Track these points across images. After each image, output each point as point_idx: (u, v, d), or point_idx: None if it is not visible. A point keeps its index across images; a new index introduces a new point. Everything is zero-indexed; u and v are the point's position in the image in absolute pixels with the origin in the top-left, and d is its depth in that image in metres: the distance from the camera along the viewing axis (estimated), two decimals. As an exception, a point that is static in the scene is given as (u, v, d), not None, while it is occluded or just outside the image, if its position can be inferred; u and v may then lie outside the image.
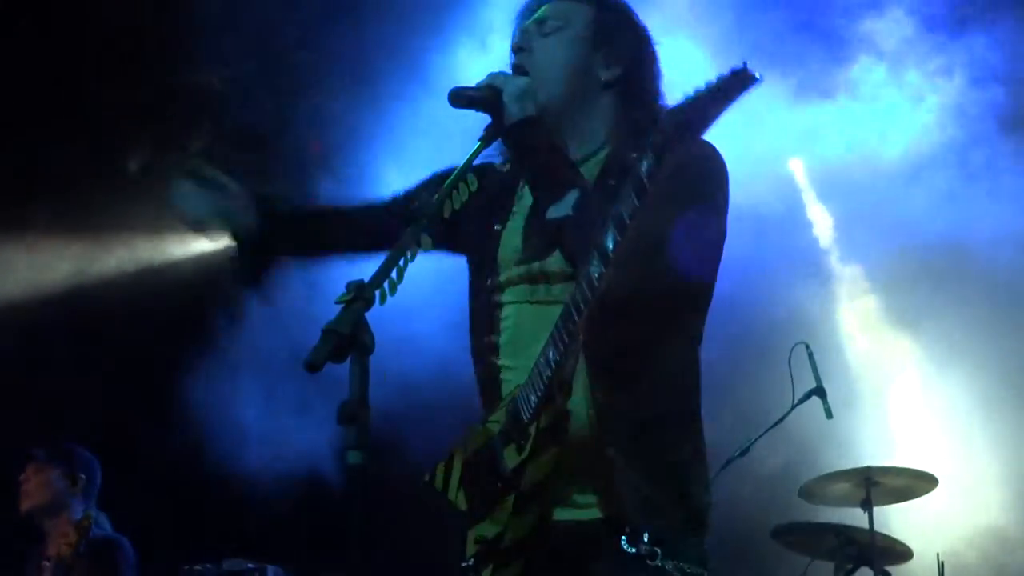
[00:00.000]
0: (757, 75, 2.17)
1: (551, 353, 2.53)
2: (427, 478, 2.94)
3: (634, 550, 2.60)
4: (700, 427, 2.81)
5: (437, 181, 2.76)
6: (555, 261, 2.74)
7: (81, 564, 5.01)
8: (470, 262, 3.02)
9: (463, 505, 2.83)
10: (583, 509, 2.68)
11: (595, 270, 2.39)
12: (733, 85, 2.18)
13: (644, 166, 2.28)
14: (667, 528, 2.63)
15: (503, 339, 2.81)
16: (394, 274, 2.31)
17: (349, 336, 2.13)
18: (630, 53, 2.90)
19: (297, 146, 6.82)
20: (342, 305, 2.19)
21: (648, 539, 2.60)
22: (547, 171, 2.72)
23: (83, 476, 5.44)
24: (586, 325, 2.50)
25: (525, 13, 2.96)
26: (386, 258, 2.32)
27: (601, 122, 2.87)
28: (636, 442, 2.64)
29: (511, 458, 2.67)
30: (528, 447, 2.61)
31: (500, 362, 2.81)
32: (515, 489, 2.65)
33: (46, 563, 5.24)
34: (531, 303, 2.78)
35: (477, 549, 2.76)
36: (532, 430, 2.60)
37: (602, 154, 2.84)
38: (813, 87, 6.18)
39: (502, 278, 2.84)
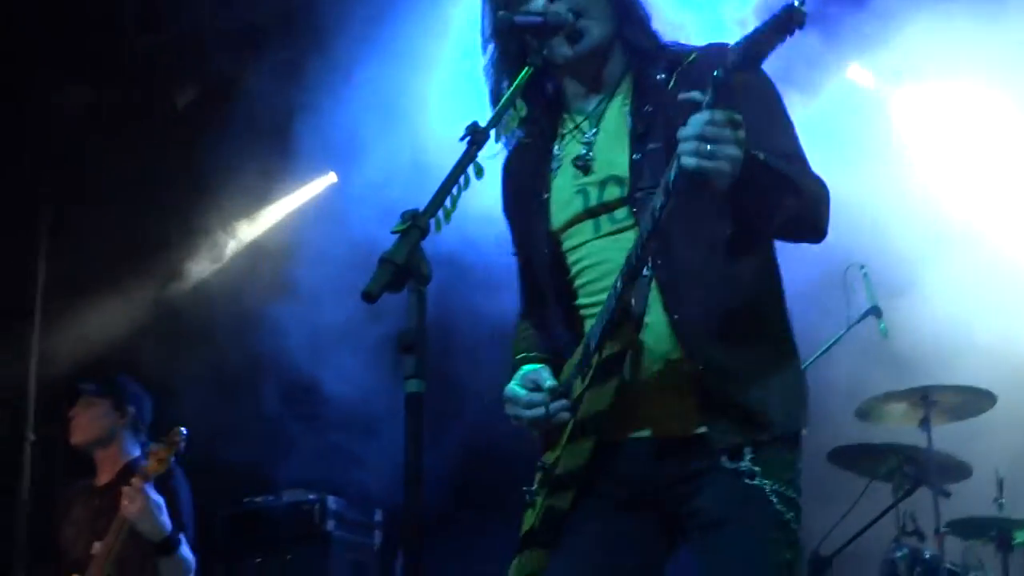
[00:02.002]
0: (804, 11, 2.23)
1: (617, 283, 2.57)
2: None
3: (734, 466, 2.60)
4: (789, 331, 2.79)
5: None
6: (611, 191, 2.76)
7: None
8: (514, 231, 3.03)
9: (539, 437, 2.87)
10: (672, 427, 2.68)
11: (658, 201, 2.46)
12: (786, 23, 2.24)
13: (706, 100, 2.37)
14: (767, 444, 2.62)
15: (578, 281, 2.83)
16: (448, 202, 2.31)
17: (405, 265, 2.14)
18: None
19: (338, 75, 6.79)
20: (398, 235, 2.19)
21: (749, 456, 2.60)
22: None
23: (132, 408, 5.44)
24: (654, 251, 2.56)
25: None
26: (440, 186, 2.32)
27: (619, 52, 2.89)
28: (723, 353, 2.63)
29: (577, 388, 2.70)
30: (589, 376, 2.64)
31: (579, 302, 2.82)
32: (573, 416, 2.69)
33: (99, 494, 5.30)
34: (598, 238, 2.79)
35: (540, 476, 2.79)
36: (595, 359, 2.63)
37: (625, 83, 2.87)
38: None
39: (556, 226, 2.84)
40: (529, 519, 2.81)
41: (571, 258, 2.83)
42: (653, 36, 2.89)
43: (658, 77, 2.78)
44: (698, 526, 2.66)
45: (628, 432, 2.71)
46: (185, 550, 5.05)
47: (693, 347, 2.63)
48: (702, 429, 2.64)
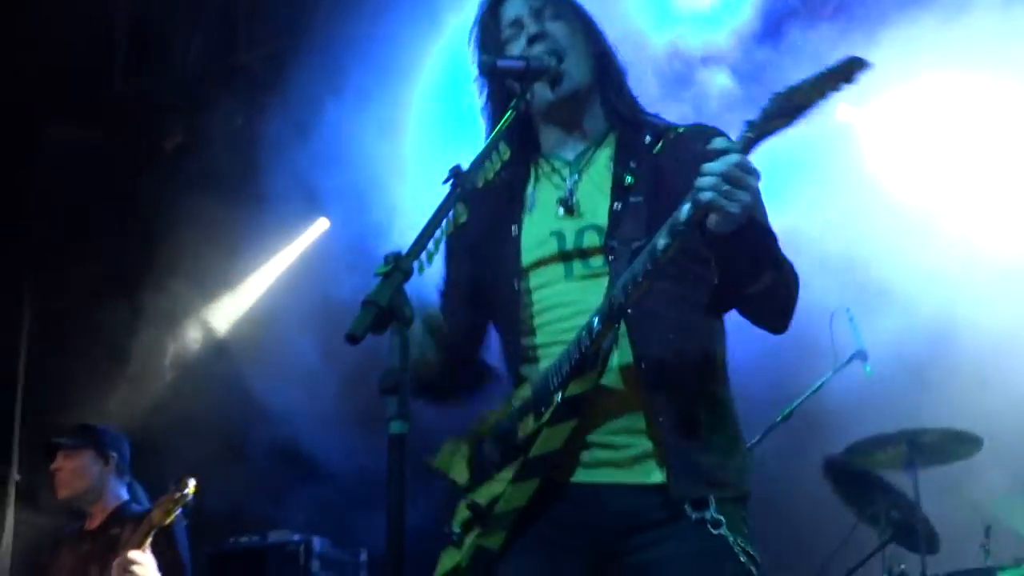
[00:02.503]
0: (865, 63, 2.23)
1: (595, 322, 2.56)
2: (431, 462, 2.91)
3: (699, 516, 2.60)
4: (732, 396, 2.81)
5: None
6: (590, 237, 2.77)
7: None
8: (478, 270, 3.00)
9: (462, 479, 2.82)
10: (630, 474, 2.67)
11: (662, 241, 2.45)
12: (843, 74, 2.25)
13: (737, 145, 2.38)
14: (728, 495, 2.64)
15: (539, 319, 2.81)
16: (431, 244, 2.33)
17: (388, 308, 2.15)
18: (605, 42, 2.96)
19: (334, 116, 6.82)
20: (381, 277, 2.20)
21: (713, 506, 2.60)
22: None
23: (114, 454, 5.46)
24: (641, 294, 2.54)
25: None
26: (422, 229, 2.34)
27: (600, 109, 2.92)
28: (686, 406, 2.65)
29: (526, 427, 2.68)
30: (548, 413, 2.62)
31: (536, 340, 2.80)
32: (523, 455, 2.66)
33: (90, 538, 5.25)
34: (569, 280, 2.78)
35: (467, 516, 2.75)
36: (557, 397, 2.62)
37: (611, 139, 2.89)
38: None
39: (525, 263, 2.84)
40: (452, 558, 2.77)
41: (534, 296, 2.82)
42: (633, 101, 2.94)
43: (645, 140, 2.82)
44: None
45: (579, 474, 2.69)
46: None
47: (657, 396, 2.64)
48: (662, 478, 2.64)
